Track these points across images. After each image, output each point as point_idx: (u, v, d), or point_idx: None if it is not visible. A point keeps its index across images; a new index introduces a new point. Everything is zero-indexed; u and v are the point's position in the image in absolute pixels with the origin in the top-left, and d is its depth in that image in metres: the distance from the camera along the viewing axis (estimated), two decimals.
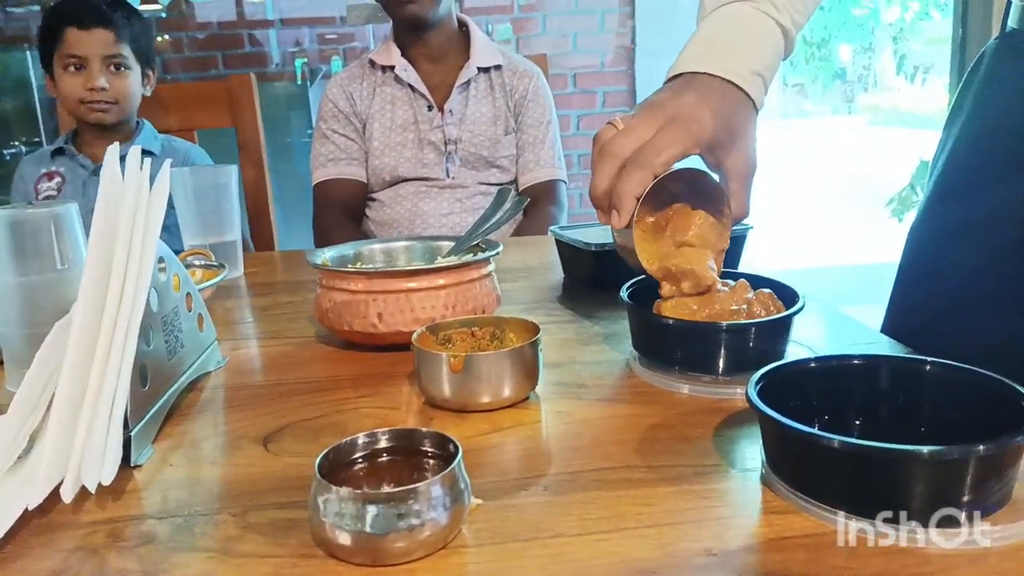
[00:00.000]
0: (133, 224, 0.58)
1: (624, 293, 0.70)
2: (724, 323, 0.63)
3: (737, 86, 0.66)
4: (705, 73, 0.66)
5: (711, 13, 0.71)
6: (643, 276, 0.71)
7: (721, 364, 0.63)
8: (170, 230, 1.20)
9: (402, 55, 1.59)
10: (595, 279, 0.92)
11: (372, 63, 1.62)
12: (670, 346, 0.66)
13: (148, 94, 1.62)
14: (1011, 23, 0.74)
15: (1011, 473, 0.43)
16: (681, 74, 0.68)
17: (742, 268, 0.94)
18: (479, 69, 1.60)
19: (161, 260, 0.62)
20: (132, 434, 0.54)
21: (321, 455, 0.43)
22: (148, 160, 0.60)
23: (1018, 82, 0.71)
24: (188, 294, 0.67)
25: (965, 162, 0.76)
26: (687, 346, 0.65)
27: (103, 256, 0.56)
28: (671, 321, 0.64)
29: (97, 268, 0.55)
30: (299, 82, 3.24)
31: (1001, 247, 0.70)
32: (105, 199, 0.58)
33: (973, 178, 0.74)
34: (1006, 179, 0.70)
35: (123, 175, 0.59)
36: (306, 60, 3.25)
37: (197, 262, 0.99)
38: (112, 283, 0.55)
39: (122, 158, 0.59)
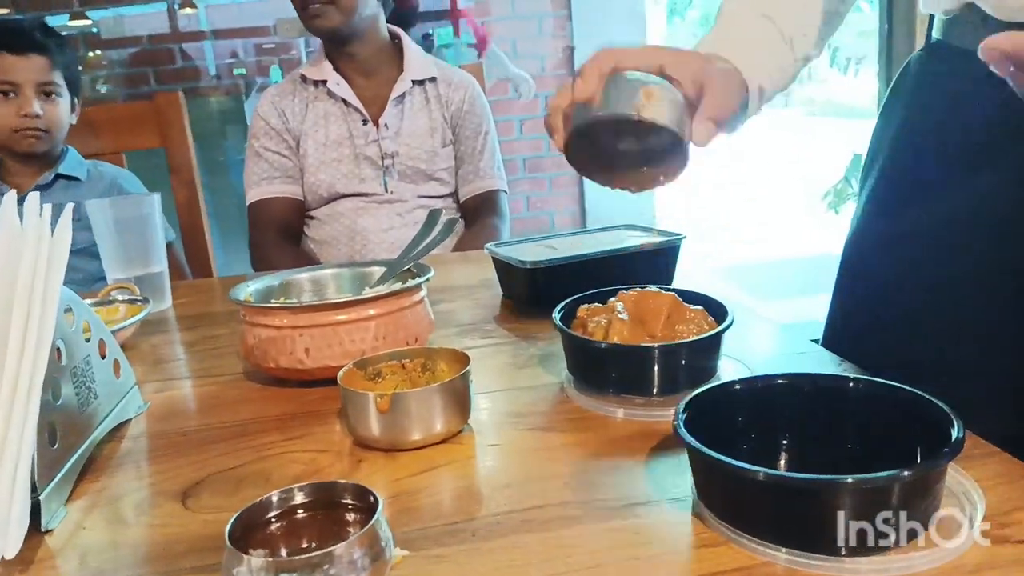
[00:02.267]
0: (34, 273, 0.55)
1: (556, 316, 0.69)
2: (655, 344, 0.63)
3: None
4: None
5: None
6: (573, 298, 0.71)
7: (655, 385, 0.63)
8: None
9: (334, 69, 1.56)
10: (531, 297, 0.91)
11: (304, 78, 1.58)
12: (603, 369, 0.65)
13: (74, 122, 1.57)
14: (935, 34, 0.75)
15: (936, 493, 0.43)
16: None
17: (677, 281, 0.94)
18: (413, 82, 1.58)
19: (68, 308, 0.59)
20: (41, 497, 0.51)
21: (233, 519, 0.41)
22: (48, 206, 0.57)
23: (945, 97, 0.72)
24: (101, 340, 0.64)
25: (898, 175, 0.76)
26: (620, 368, 0.64)
27: (1, 309, 0.53)
28: (603, 344, 0.64)
29: None
30: (242, 93, 3.16)
31: (939, 258, 0.71)
32: (3, 249, 0.55)
33: (907, 191, 0.74)
34: (940, 191, 0.71)
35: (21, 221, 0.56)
36: (244, 71, 3.19)
37: (120, 297, 0.95)
38: (11, 338, 0.52)
39: (44, 187, 0.56)
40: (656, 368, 0.63)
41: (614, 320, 0.65)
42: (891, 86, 0.82)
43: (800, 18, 0.72)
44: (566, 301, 0.72)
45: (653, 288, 0.72)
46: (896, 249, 0.75)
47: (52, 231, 0.57)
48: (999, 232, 0.66)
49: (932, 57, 0.76)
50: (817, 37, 0.74)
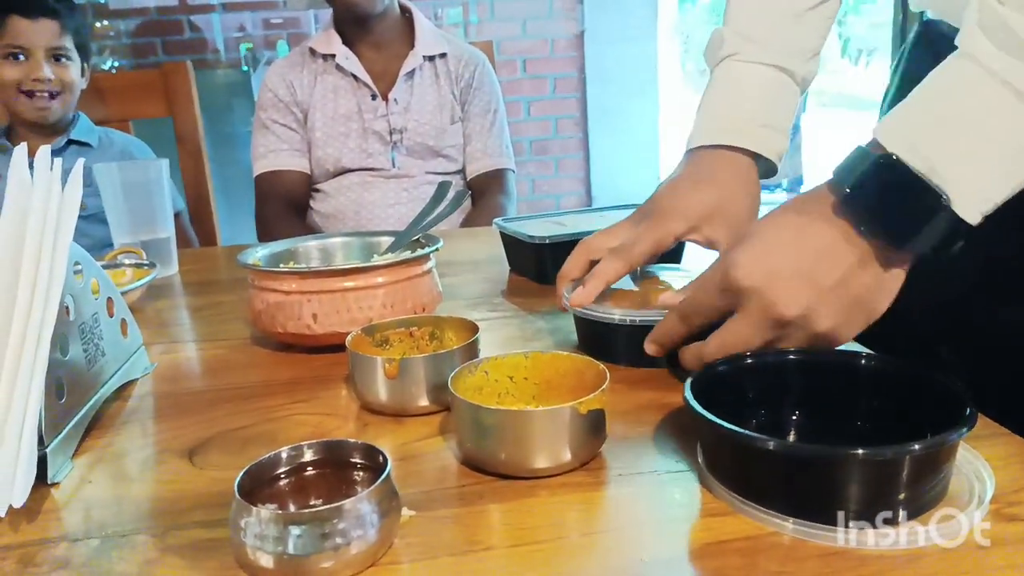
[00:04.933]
0: (43, 228, 0.54)
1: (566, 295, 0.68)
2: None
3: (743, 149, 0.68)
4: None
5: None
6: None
7: (666, 358, 0.63)
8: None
9: (343, 43, 1.55)
10: (539, 272, 0.91)
11: (312, 51, 1.57)
12: (613, 344, 0.65)
13: (84, 87, 1.57)
14: (928, 13, 0.74)
15: (946, 471, 0.43)
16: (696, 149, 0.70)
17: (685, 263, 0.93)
18: (424, 57, 1.57)
19: (77, 264, 0.59)
20: (48, 450, 0.51)
21: (242, 472, 0.41)
22: (58, 160, 0.56)
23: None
24: (109, 299, 0.64)
25: None
26: (630, 343, 0.64)
27: (10, 264, 0.53)
28: (616, 319, 0.63)
29: (4, 276, 0.52)
30: (244, 68, 3.15)
31: None
32: (13, 203, 0.54)
33: None
34: None
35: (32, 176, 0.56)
36: (251, 45, 3.17)
37: (127, 261, 0.95)
38: (21, 292, 0.52)
39: (56, 152, 0.56)
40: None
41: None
42: (892, 72, 0.81)
43: (809, 45, 0.72)
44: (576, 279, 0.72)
45: (661, 269, 0.72)
46: None
47: (63, 188, 0.57)
48: (1000, 217, 0.66)
49: (924, 34, 0.74)
50: (819, 53, 0.74)
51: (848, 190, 0.49)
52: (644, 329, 0.61)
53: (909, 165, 0.47)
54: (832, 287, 0.49)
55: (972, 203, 0.46)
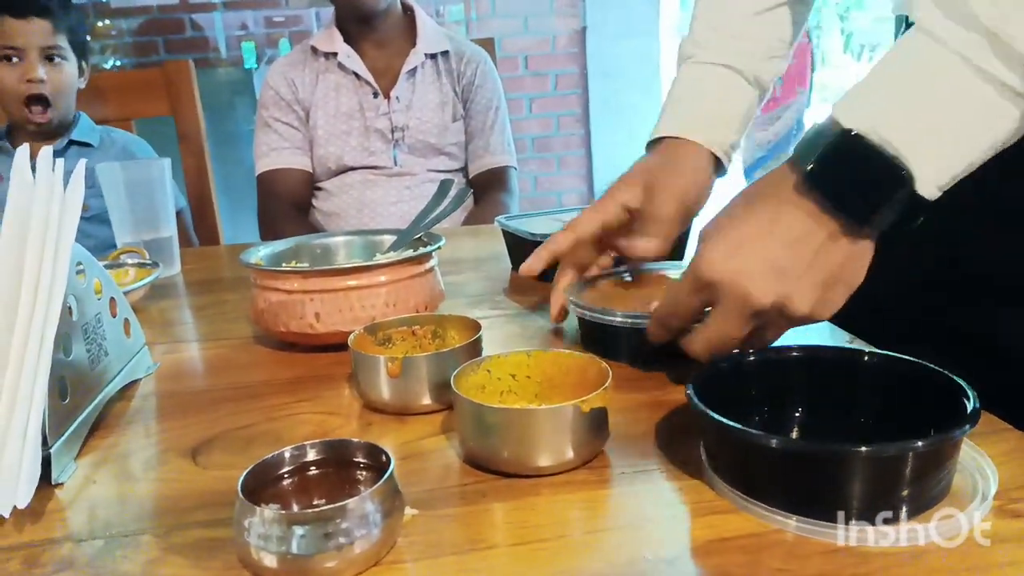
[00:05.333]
0: (45, 229, 0.54)
1: (571, 298, 0.68)
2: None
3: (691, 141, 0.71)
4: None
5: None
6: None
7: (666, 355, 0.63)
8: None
9: (345, 41, 1.55)
10: (542, 269, 0.91)
11: (314, 49, 1.57)
12: (617, 343, 0.65)
13: (83, 87, 1.56)
14: (898, 9, 0.74)
15: (949, 467, 0.43)
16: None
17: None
18: (426, 55, 1.57)
19: (80, 265, 0.59)
20: (52, 451, 0.51)
21: (245, 472, 0.41)
22: (60, 161, 0.56)
23: None
24: (112, 299, 0.64)
25: None
26: (633, 343, 0.64)
27: (13, 264, 0.53)
28: (618, 321, 0.63)
29: (7, 278, 0.52)
30: (250, 65, 3.14)
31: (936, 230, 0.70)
32: (15, 205, 0.54)
33: None
34: None
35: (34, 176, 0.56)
36: (254, 44, 3.17)
37: (130, 260, 0.95)
38: (23, 293, 0.52)
39: (57, 153, 0.56)
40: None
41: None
42: None
43: (764, 46, 0.73)
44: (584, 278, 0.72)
45: (664, 266, 0.72)
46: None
47: (65, 188, 0.57)
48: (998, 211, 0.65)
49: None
50: (785, 52, 0.75)
51: (810, 168, 0.48)
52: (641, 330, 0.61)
53: (869, 140, 0.46)
54: (805, 271, 0.49)
55: (931, 178, 0.46)
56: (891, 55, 0.49)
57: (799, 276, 0.49)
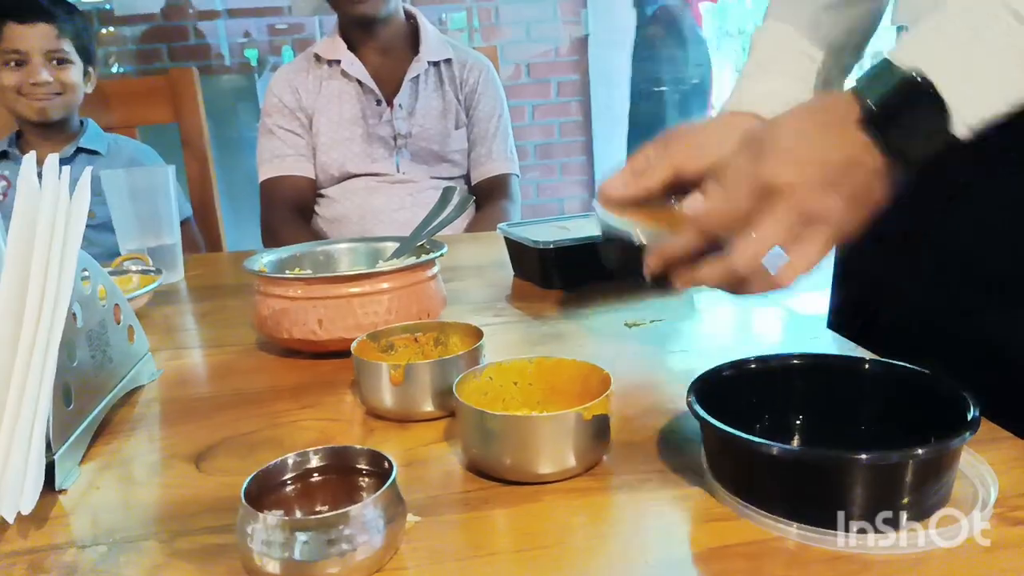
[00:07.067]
0: (51, 235, 0.55)
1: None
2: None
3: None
4: None
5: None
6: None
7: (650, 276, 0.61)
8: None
9: (348, 49, 1.56)
10: (543, 276, 0.91)
11: (317, 57, 1.58)
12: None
13: (90, 91, 1.57)
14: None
15: (949, 475, 0.43)
16: None
17: None
18: (429, 63, 1.57)
19: (84, 271, 0.59)
20: (56, 457, 0.51)
21: (249, 478, 0.42)
22: (67, 168, 0.57)
23: None
24: (116, 305, 0.65)
25: None
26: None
27: (20, 271, 0.53)
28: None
29: (13, 284, 0.53)
30: (255, 71, 3.15)
31: (939, 244, 0.70)
32: (21, 211, 0.55)
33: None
34: (938, 176, 0.70)
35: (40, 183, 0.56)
36: (257, 51, 3.18)
37: (134, 267, 0.96)
38: (30, 299, 0.53)
39: (65, 160, 0.56)
40: None
41: None
42: None
43: (839, 40, 0.73)
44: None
45: None
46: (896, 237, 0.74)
47: (71, 195, 0.57)
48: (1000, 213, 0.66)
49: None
50: (856, 49, 0.75)
51: (872, 107, 0.51)
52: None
53: (915, 79, 0.49)
54: (850, 191, 0.51)
55: (965, 118, 0.49)
56: (951, 3, 0.52)
57: (845, 197, 0.51)
